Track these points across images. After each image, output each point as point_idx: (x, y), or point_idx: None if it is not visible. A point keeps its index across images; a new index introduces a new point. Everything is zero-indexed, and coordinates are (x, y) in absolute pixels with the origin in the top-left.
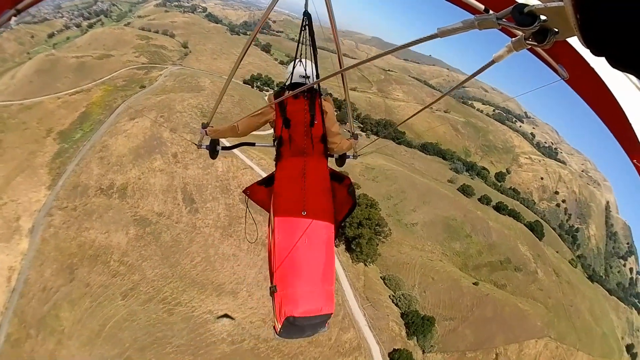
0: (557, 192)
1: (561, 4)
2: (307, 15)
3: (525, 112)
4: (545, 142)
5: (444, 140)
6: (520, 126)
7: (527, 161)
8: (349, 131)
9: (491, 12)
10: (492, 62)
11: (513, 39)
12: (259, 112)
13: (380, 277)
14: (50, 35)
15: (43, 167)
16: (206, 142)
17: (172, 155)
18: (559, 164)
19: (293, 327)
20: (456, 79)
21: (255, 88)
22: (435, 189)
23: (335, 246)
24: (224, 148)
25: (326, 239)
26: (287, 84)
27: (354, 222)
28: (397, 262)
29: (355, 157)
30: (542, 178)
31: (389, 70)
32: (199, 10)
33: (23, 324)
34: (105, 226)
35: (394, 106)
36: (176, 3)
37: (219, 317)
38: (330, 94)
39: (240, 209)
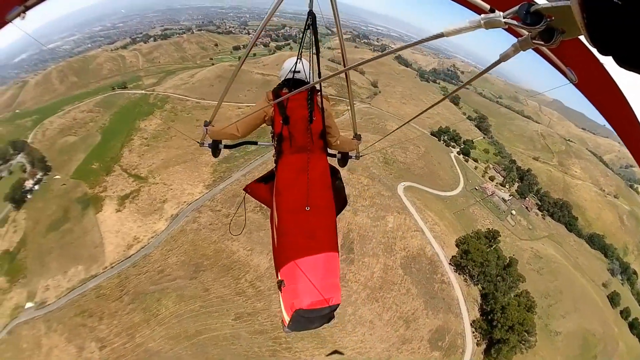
0: None
1: (568, 3)
2: (311, 14)
3: None
4: None
5: (609, 231)
6: None
7: None
8: (353, 132)
9: (497, 11)
10: (499, 61)
11: (519, 38)
12: (258, 111)
13: None
14: (236, 48)
15: (207, 166)
16: (208, 140)
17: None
18: None
19: (302, 320)
20: (627, 156)
21: (441, 142)
22: (590, 294)
23: (477, 344)
24: (227, 147)
25: (329, 233)
26: (283, 80)
27: (506, 324)
28: None
29: (357, 157)
30: None
31: (569, 140)
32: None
33: (121, 287)
34: (251, 243)
35: (572, 184)
36: (365, 40)
37: None
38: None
39: (397, 275)
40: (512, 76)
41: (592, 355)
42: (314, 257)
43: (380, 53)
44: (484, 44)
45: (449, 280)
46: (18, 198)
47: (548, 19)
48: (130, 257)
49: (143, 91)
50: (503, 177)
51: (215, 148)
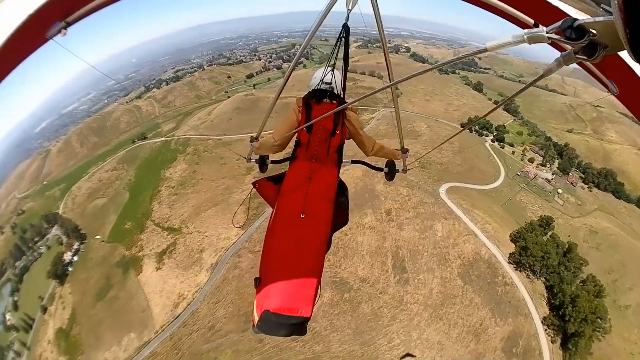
0: None
1: (611, 18)
2: (345, 28)
3: None
4: None
5: None
6: None
7: None
8: (400, 146)
9: (541, 26)
10: (542, 76)
11: (563, 53)
12: (288, 118)
13: None
14: (249, 76)
15: (239, 205)
16: (256, 156)
17: (385, 212)
18: None
19: (269, 322)
20: None
21: (474, 132)
22: None
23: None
24: (274, 162)
25: (318, 245)
26: (314, 88)
27: (578, 317)
28: (602, 354)
29: (405, 171)
30: None
31: (598, 106)
32: (403, 50)
33: (176, 350)
34: None
35: (611, 150)
36: (377, 45)
37: None
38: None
39: (456, 286)
40: (529, 53)
41: None
42: (295, 263)
43: (430, 65)
44: (494, 30)
45: (511, 280)
46: (60, 273)
47: (591, 35)
48: (178, 316)
49: (163, 138)
50: (542, 156)
51: (262, 163)
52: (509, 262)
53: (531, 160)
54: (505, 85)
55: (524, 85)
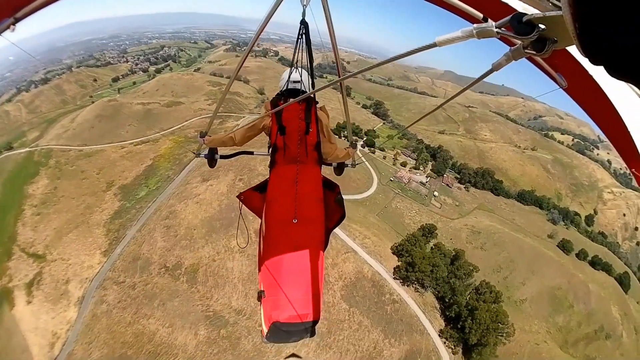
0: (636, 229)
1: (560, 13)
2: (303, 23)
3: (598, 137)
4: (620, 169)
5: (537, 184)
6: (597, 154)
7: (610, 196)
8: (348, 141)
9: (490, 21)
10: (491, 71)
11: (512, 47)
12: (256, 121)
13: None
14: (115, 80)
15: (100, 227)
16: (204, 151)
17: (254, 232)
18: (638, 194)
19: (279, 332)
20: (533, 109)
21: (342, 138)
22: (542, 252)
23: (453, 353)
24: (223, 157)
25: (315, 246)
26: (282, 90)
27: (479, 329)
28: (507, 352)
29: (353, 165)
30: (624, 214)
31: (469, 106)
32: (271, 54)
33: None
34: (169, 318)
35: (486, 149)
36: (245, 48)
37: None
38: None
39: (341, 310)
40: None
41: (568, 306)
42: (297, 270)
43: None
44: (365, 31)
45: (399, 297)
46: None
47: (540, 29)
48: (56, 358)
49: (27, 149)
50: (415, 159)
51: (211, 158)
52: (394, 278)
53: (404, 164)
54: (373, 88)
55: (394, 87)
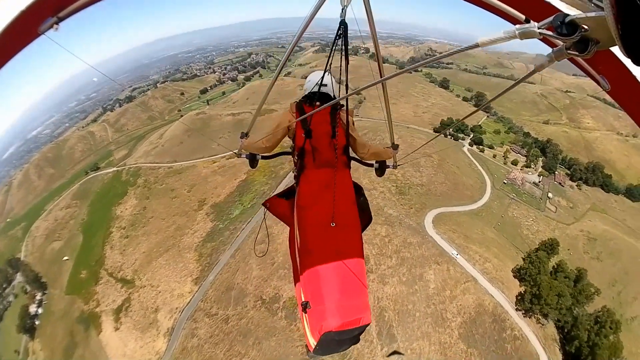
0: None
1: (602, 14)
2: (343, 24)
3: None
4: None
5: None
6: None
7: None
8: (390, 142)
9: (532, 22)
10: (534, 71)
11: (554, 48)
12: (282, 124)
13: None
14: (203, 92)
15: (191, 251)
16: (246, 151)
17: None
18: None
19: (332, 342)
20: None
21: (449, 137)
22: None
23: None
24: (264, 157)
25: (356, 251)
26: (309, 92)
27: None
28: None
29: (395, 167)
30: None
31: (567, 91)
32: (362, 51)
33: None
34: (262, 356)
35: (592, 139)
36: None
37: None
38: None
39: (459, 351)
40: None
41: None
42: (341, 275)
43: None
44: (453, 22)
45: (521, 333)
46: (29, 326)
47: (583, 30)
48: None
49: (115, 168)
50: (525, 156)
51: (252, 159)
52: (516, 309)
53: (515, 163)
54: (471, 78)
55: (490, 76)
